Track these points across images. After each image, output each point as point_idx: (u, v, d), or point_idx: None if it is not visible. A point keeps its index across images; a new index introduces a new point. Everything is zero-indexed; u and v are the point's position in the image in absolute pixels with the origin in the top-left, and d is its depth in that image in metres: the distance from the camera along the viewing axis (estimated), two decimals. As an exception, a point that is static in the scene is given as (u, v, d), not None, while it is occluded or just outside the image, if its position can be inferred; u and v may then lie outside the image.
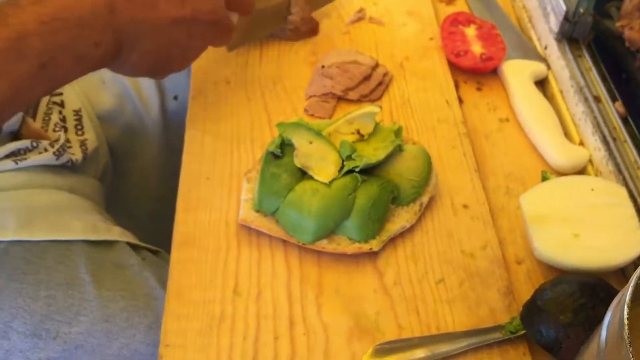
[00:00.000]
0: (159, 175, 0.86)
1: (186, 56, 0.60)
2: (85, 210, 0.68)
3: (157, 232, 0.68)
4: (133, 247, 0.68)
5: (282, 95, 0.72)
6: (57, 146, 0.68)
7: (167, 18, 0.55)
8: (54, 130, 0.71)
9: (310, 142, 0.59)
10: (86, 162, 0.72)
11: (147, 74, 0.60)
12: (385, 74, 0.73)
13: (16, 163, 0.65)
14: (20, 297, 0.60)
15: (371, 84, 0.71)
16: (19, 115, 0.67)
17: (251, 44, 0.76)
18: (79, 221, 0.65)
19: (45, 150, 0.67)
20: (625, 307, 0.35)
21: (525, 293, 0.56)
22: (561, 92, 0.73)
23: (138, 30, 0.54)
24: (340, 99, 0.71)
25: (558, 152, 0.67)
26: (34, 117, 0.70)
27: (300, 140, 0.59)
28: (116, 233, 0.67)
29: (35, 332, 0.60)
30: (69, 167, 0.70)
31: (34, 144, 0.67)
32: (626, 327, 0.35)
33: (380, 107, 0.63)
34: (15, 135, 0.68)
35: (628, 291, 0.36)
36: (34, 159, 0.66)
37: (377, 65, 0.73)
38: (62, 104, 0.74)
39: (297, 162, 0.58)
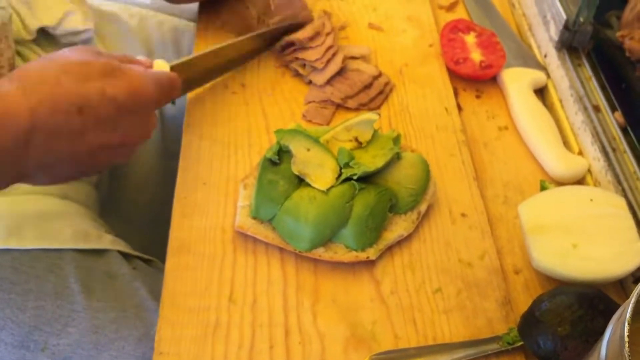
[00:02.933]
0: (156, 180, 0.85)
1: (109, 163, 0.56)
2: (77, 217, 0.67)
3: (153, 237, 0.68)
4: (125, 255, 0.67)
5: (281, 101, 0.71)
6: None
7: (93, 145, 0.51)
8: None
9: (308, 149, 0.59)
10: None
11: (63, 182, 0.57)
12: (386, 84, 0.72)
13: None
14: (8, 307, 0.59)
15: (371, 93, 0.71)
16: None
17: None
18: (70, 228, 0.64)
19: None
20: (626, 324, 0.35)
21: (523, 303, 0.56)
22: (560, 101, 0.73)
23: (53, 161, 0.50)
24: (339, 106, 0.70)
25: (557, 161, 0.66)
26: None
27: (297, 147, 0.58)
28: (107, 241, 0.66)
29: (23, 344, 0.59)
30: None
31: None
32: (627, 344, 0.34)
33: (379, 115, 0.62)
34: None
35: (629, 308, 0.36)
36: None
37: (379, 75, 0.72)
38: None
39: (295, 170, 0.58)
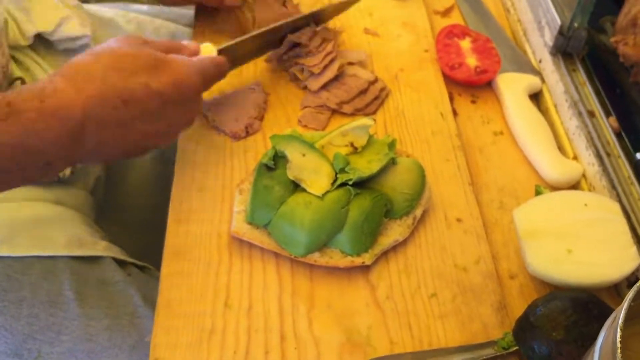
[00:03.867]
0: (152, 186, 0.85)
1: (154, 147, 0.59)
2: (72, 223, 0.67)
3: (149, 242, 0.68)
4: (119, 262, 0.67)
5: (277, 105, 0.71)
6: None
7: (139, 133, 0.55)
8: None
9: (304, 155, 0.59)
10: (75, 176, 0.71)
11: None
12: (382, 89, 0.72)
13: None
14: (1, 315, 0.59)
15: (367, 98, 0.71)
16: None
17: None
18: (64, 235, 0.64)
19: None
20: (618, 329, 0.35)
21: (518, 308, 0.56)
22: (555, 106, 0.73)
23: (104, 147, 0.54)
24: (334, 111, 0.71)
25: (552, 166, 0.67)
26: None
27: (293, 153, 0.59)
28: (102, 248, 0.66)
29: (16, 352, 0.59)
30: (57, 181, 0.69)
31: None
32: (619, 350, 0.34)
33: (375, 120, 0.62)
34: None
35: (621, 313, 0.36)
36: None
37: (375, 80, 0.73)
38: None
39: (290, 175, 0.58)
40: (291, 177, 0.58)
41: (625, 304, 0.36)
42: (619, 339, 0.34)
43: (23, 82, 0.66)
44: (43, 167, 0.50)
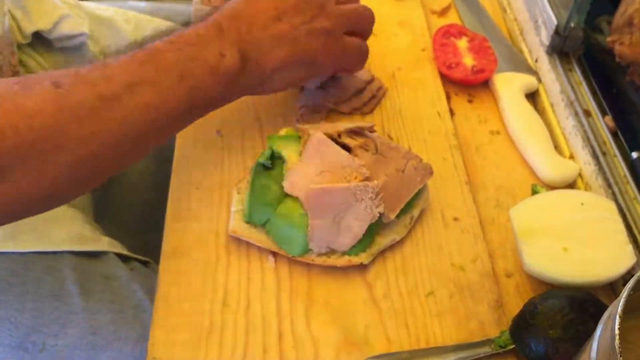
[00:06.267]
0: (150, 184, 0.85)
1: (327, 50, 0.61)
2: (73, 220, 0.67)
3: (147, 241, 0.68)
4: (121, 257, 0.67)
5: (274, 105, 0.71)
6: None
7: (296, 25, 0.58)
8: None
9: (300, 154, 0.59)
10: None
11: (297, 80, 0.63)
12: (379, 89, 0.72)
13: None
14: (6, 309, 0.59)
15: (364, 98, 0.71)
16: None
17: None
18: (66, 231, 0.65)
19: None
20: (617, 317, 0.35)
21: (514, 307, 0.56)
22: (552, 105, 0.73)
23: (259, 44, 0.57)
24: (331, 110, 0.71)
25: (548, 165, 0.67)
26: None
27: (290, 153, 0.59)
28: (104, 243, 0.66)
29: (21, 345, 0.59)
30: None
31: None
32: (617, 338, 0.35)
33: (374, 125, 0.63)
34: None
35: (620, 303, 0.36)
36: None
37: (372, 80, 0.73)
38: None
39: (287, 189, 0.57)
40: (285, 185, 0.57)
41: (624, 293, 0.37)
42: (617, 327, 0.35)
43: None
44: (219, 57, 0.54)
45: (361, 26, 0.65)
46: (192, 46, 0.54)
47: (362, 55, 0.65)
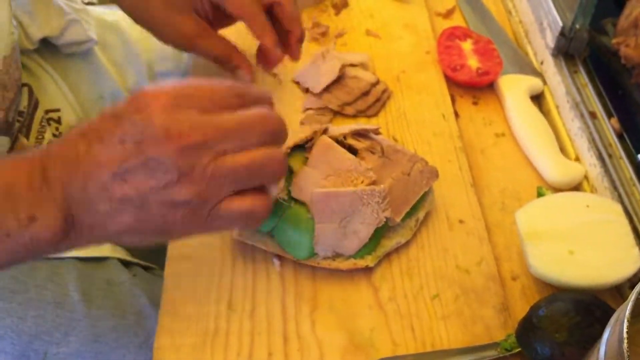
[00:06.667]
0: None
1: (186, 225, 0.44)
2: None
3: (152, 246, 0.68)
4: (124, 263, 0.67)
5: (279, 108, 0.71)
6: None
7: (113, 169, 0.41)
8: None
9: (307, 158, 0.59)
10: None
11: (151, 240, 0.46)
12: (384, 91, 0.72)
13: None
14: (8, 317, 0.59)
15: (369, 100, 0.71)
16: (11, 135, 0.66)
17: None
18: None
19: None
20: (625, 321, 0.35)
21: (520, 309, 0.56)
22: (557, 107, 0.73)
23: (94, 207, 0.41)
24: (336, 113, 0.71)
25: (554, 167, 0.67)
26: (27, 135, 0.69)
27: (296, 163, 0.58)
28: (107, 249, 0.66)
29: (23, 353, 0.59)
30: None
31: None
32: (625, 341, 0.35)
33: (379, 127, 0.62)
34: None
35: (628, 306, 0.36)
36: None
37: (377, 82, 0.73)
38: (59, 120, 0.73)
39: (294, 194, 0.57)
40: (294, 197, 0.57)
41: (632, 296, 0.36)
42: (625, 330, 0.34)
43: (30, 89, 0.66)
44: (26, 221, 0.41)
45: (262, 176, 0.44)
46: None
47: (253, 217, 0.45)
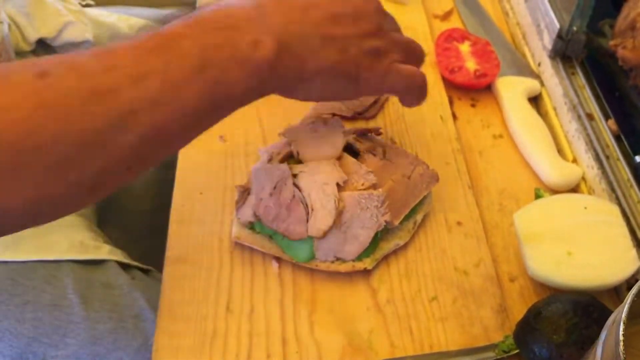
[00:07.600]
0: (154, 189, 0.85)
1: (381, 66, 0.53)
2: (74, 228, 0.67)
3: (151, 246, 0.68)
4: (123, 266, 0.67)
5: (277, 110, 0.71)
6: None
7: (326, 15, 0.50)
8: None
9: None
10: None
11: (336, 93, 0.54)
12: (382, 93, 0.73)
13: None
14: (6, 319, 0.59)
15: (367, 102, 0.71)
16: None
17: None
18: (67, 239, 0.64)
19: None
20: (622, 323, 0.35)
21: (518, 311, 0.56)
22: (555, 109, 0.73)
23: (306, 39, 0.49)
24: (334, 115, 0.71)
25: (551, 169, 0.67)
26: None
27: (295, 166, 0.58)
28: (105, 252, 0.66)
29: (22, 356, 0.59)
30: None
31: None
32: (622, 343, 0.35)
33: (380, 128, 0.63)
34: None
35: (624, 308, 0.36)
36: None
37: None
38: None
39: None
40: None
41: (628, 298, 0.37)
42: (621, 332, 0.35)
43: None
44: (252, 45, 0.46)
45: (411, 61, 0.57)
46: (219, 30, 0.45)
47: (415, 84, 0.57)
